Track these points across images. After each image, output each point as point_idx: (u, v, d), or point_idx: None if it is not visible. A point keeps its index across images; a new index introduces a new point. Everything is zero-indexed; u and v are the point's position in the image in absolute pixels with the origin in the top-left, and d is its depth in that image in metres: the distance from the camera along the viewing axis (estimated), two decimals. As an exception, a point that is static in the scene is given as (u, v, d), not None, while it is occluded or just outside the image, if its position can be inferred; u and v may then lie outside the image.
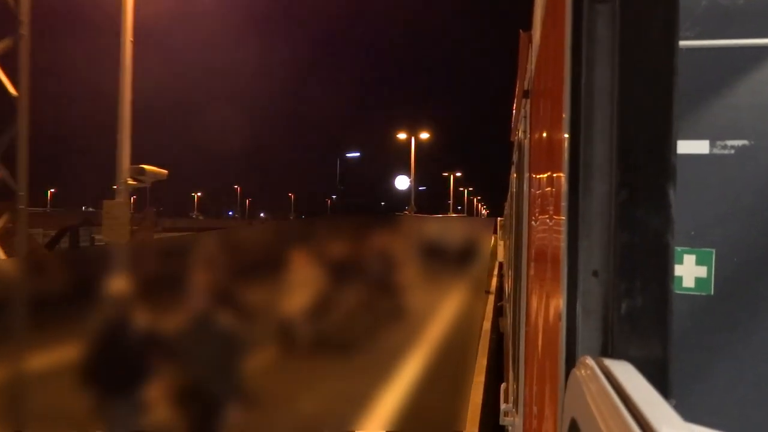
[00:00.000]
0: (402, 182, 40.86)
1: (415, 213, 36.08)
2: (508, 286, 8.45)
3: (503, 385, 4.56)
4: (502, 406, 4.06)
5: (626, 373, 0.60)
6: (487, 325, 13.84)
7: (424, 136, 40.44)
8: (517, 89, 3.65)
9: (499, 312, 13.72)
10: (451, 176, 76.55)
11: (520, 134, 3.30)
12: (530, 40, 2.51)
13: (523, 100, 2.92)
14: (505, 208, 13.79)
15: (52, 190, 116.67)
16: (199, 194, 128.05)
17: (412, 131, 40.39)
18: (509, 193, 8.04)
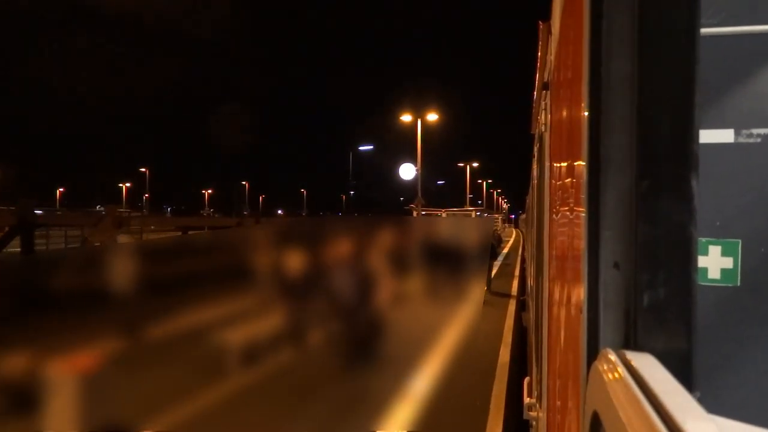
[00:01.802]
0: (407, 171, 32.64)
1: (423, 207, 30.70)
2: (530, 280, 8.40)
3: (527, 379, 4.53)
4: (526, 400, 4.04)
5: (648, 366, 0.59)
6: (505, 354, 9.64)
7: (432, 117, 31.77)
8: (536, 81, 3.62)
9: (522, 307, 13.42)
10: (467, 166, 70.59)
11: (540, 126, 3.27)
12: (549, 31, 2.49)
13: (543, 92, 2.90)
14: (527, 201, 13.65)
15: (61, 189, 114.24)
16: (209, 191, 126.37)
17: (418, 112, 31.73)
18: (530, 186, 7.98)
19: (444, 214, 35.51)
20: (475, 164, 72.87)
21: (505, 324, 12.65)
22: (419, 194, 30.43)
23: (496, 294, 16.55)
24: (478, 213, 45.14)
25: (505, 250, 36.98)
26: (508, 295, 16.77)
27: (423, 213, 33.15)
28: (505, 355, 9.72)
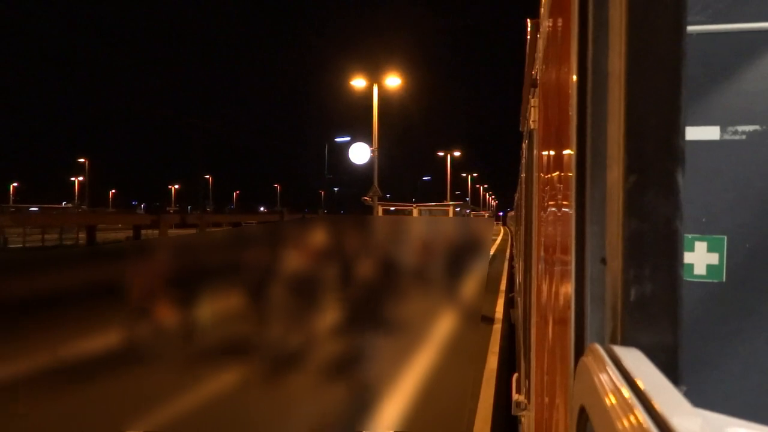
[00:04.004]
0: (359, 153, 23.04)
1: (390, 202, 23.93)
2: (518, 277, 8.44)
3: (515, 376, 4.55)
4: (514, 397, 4.06)
5: (635, 360, 0.60)
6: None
7: (393, 82, 23.60)
8: (525, 78, 3.63)
9: (510, 303, 13.35)
10: (448, 156, 60.00)
11: (529, 123, 3.29)
12: (538, 29, 2.50)
13: (532, 89, 2.91)
14: (516, 198, 13.70)
15: (15, 183, 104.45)
16: (176, 186, 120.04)
17: (373, 76, 23.51)
18: (519, 183, 8.02)
19: (416, 211, 28.71)
20: (457, 153, 62.53)
21: (480, 396, 6.83)
22: (375, 183, 22.77)
23: (465, 313, 10.41)
24: (458, 209, 34.46)
25: (491, 252, 33.53)
26: (491, 321, 11.15)
27: (392, 209, 27.31)
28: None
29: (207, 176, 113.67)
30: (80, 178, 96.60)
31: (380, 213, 24.84)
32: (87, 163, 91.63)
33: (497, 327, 10.64)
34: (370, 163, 23.30)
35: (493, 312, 12.25)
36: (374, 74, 24.35)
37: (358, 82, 24.27)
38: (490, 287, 15.27)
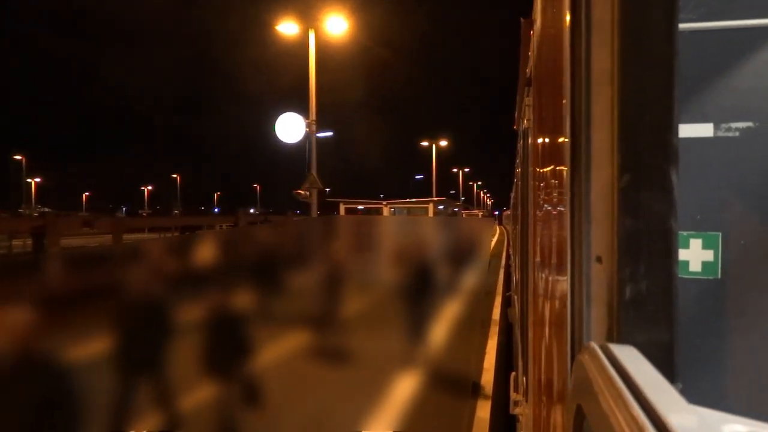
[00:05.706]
0: (289, 127, 15.85)
1: (324, 199, 17.72)
2: (515, 275, 8.46)
3: (513, 374, 4.56)
4: (512, 395, 4.07)
5: (631, 358, 0.60)
6: None
7: (336, 28, 16.34)
8: (519, 77, 3.64)
9: (507, 302, 13.29)
10: (433, 146, 48.22)
11: (524, 122, 3.29)
12: (531, 28, 2.50)
13: (526, 88, 2.91)
14: (512, 196, 13.68)
15: None
16: (149, 187, 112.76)
17: (308, 22, 16.19)
18: (514, 182, 8.03)
19: (387, 210, 23.64)
20: (443, 143, 51.03)
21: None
22: (314, 171, 16.44)
23: (443, 379, 5.88)
24: (440, 207, 27.56)
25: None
26: (479, 390, 6.75)
27: (360, 208, 23.18)
28: None
29: (174, 176, 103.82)
30: (37, 179, 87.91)
31: (342, 212, 21.11)
32: (24, 160, 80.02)
33: (483, 416, 6.09)
34: (304, 141, 16.30)
35: (480, 374, 7.39)
36: (308, 19, 16.70)
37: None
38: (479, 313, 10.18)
